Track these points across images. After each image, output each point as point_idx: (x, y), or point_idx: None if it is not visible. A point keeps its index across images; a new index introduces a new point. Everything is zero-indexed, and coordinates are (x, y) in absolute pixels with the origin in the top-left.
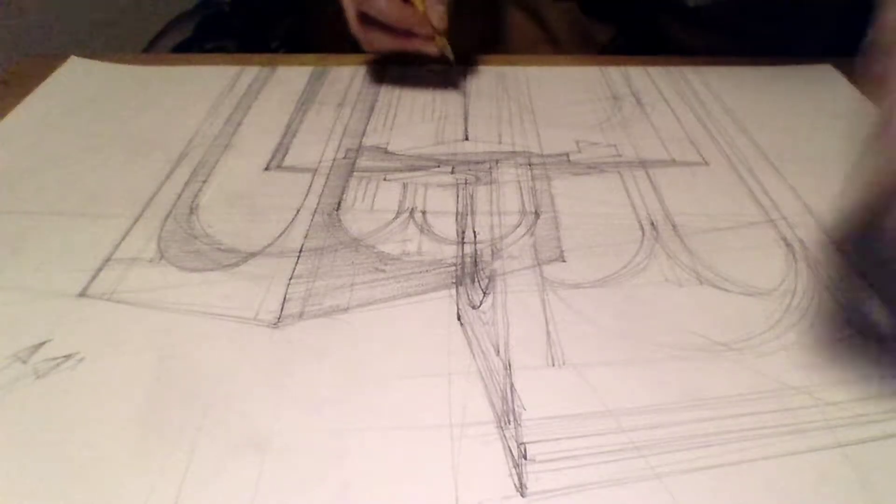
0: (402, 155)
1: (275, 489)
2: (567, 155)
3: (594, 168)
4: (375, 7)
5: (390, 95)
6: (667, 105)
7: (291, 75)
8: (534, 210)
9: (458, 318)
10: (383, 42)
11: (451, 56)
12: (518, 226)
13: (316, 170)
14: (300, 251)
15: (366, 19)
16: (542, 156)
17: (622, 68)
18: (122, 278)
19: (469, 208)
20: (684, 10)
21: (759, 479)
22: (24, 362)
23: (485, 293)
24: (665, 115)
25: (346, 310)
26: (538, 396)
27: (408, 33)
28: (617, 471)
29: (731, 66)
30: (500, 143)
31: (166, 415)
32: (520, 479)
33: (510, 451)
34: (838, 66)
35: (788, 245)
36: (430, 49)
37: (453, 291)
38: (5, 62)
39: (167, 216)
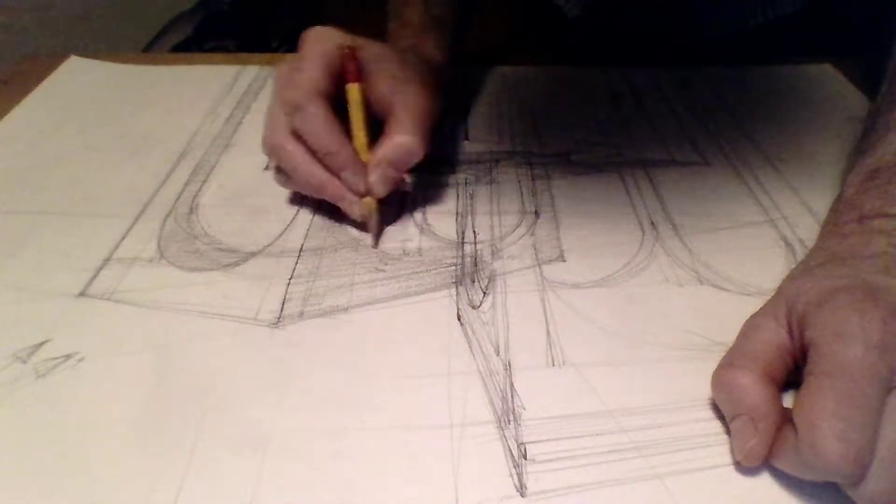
0: None
1: (275, 489)
2: (567, 155)
3: (594, 168)
4: (309, 125)
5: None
6: (667, 105)
7: None
8: (534, 210)
9: (458, 318)
10: (301, 172)
11: (373, 230)
12: (518, 226)
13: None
14: (300, 251)
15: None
16: (542, 156)
17: (622, 68)
18: (122, 278)
19: (469, 208)
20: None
21: (759, 479)
22: (24, 362)
23: (485, 293)
24: (665, 115)
25: (346, 310)
26: (538, 396)
27: (333, 175)
28: (617, 471)
29: (730, 67)
30: (499, 143)
31: (166, 415)
32: (520, 479)
33: (510, 451)
34: (838, 66)
35: (788, 245)
36: (351, 209)
37: (453, 291)
38: (5, 62)
39: (167, 216)
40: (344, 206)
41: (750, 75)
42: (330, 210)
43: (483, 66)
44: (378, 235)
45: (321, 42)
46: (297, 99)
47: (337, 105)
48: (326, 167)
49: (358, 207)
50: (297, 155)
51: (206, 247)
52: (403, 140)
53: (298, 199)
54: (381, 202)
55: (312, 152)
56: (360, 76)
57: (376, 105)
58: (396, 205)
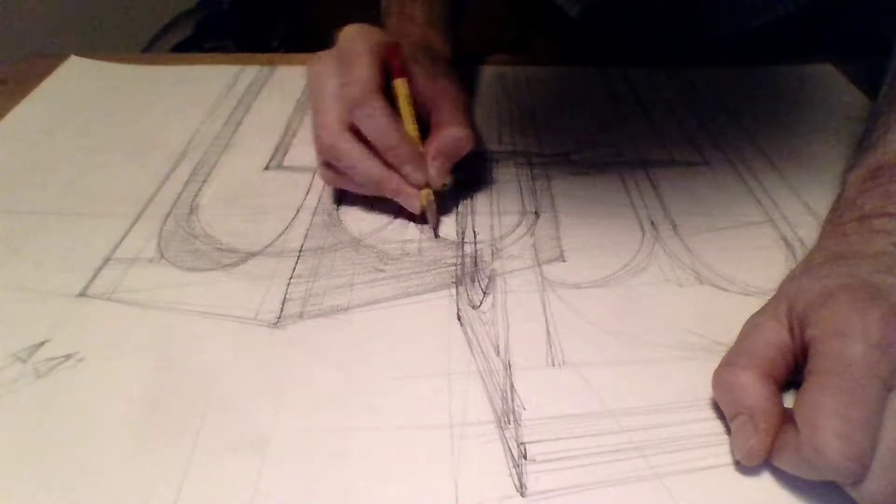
0: None
1: (275, 489)
2: (567, 155)
3: (594, 168)
4: (372, 121)
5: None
6: (667, 105)
7: (291, 75)
8: (534, 210)
9: (458, 318)
10: (360, 168)
11: (433, 221)
12: (518, 226)
13: (316, 170)
14: (300, 251)
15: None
16: (542, 156)
17: (622, 68)
18: (122, 278)
19: (469, 208)
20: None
21: (760, 479)
22: (24, 362)
23: (485, 293)
24: (665, 115)
25: (346, 310)
26: (538, 396)
27: (391, 169)
28: (617, 471)
29: (731, 67)
30: (500, 143)
31: (166, 415)
32: (520, 479)
33: (510, 451)
34: (838, 66)
35: (788, 245)
36: (410, 202)
37: (453, 291)
38: (5, 62)
39: (167, 216)
40: (402, 200)
41: (750, 75)
42: (331, 209)
43: (483, 66)
44: (437, 226)
45: (365, 39)
46: (357, 95)
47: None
48: (385, 162)
49: (416, 201)
50: (356, 151)
51: (206, 247)
52: (458, 132)
53: (298, 199)
54: (439, 194)
55: (370, 148)
56: (401, 71)
57: (420, 99)
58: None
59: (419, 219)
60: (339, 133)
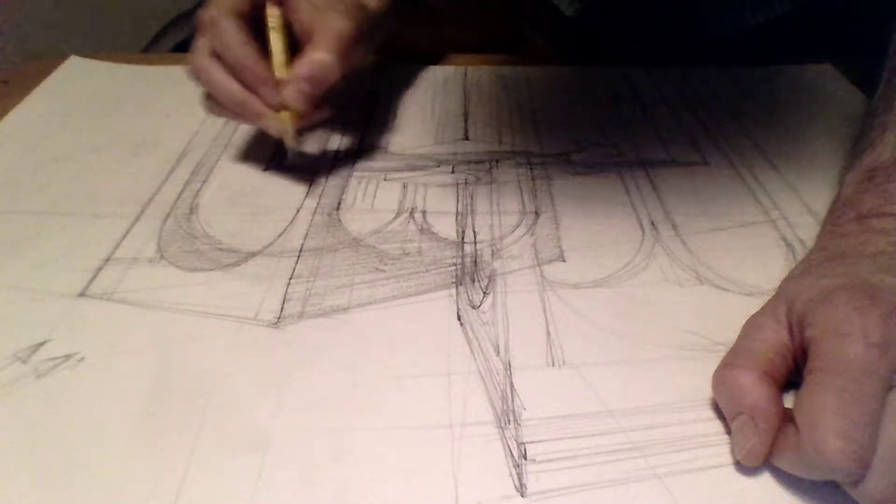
0: (402, 155)
1: (275, 489)
2: (567, 155)
3: (594, 168)
4: (223, 40)
5: (390, 95)
6: (667, 105)
7: None
8: (534, 210)
9: (458, 318)
10: (221, 89)
11: (290, 145)
12: (518, 226)
13: (316, 170)
14: (300, 251)
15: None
16: (542, 156)
17: (622, 68)
18: (122, 278)
19: (469, 208)
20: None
21: (760, 479)
22: (24, 362)
23: (485, 293)
24: (665, 115)
25: (346, 310)
26: (538, 396)
27: (252, 91)
28: (617, 471)
29: (731, 67)
30: (500, 143)
31: (166, 415)
32: (520, 479)
33: (510, 451)
34: (838, 66)
35: (788, 245)
36: (269, 124)
37: (453, 291)
38: (5, 62)
39: (167, 216)
40: (263, 123)
41: (750, 75)
42: (331, 209)
43: (482, 66)
44: (295, 152)
45: None
46: (213, 16)
47: (259, 30)
48: (244, 85)
49: (275, 122)
50: (215, 72)
51: (206, 247)
52: (318, 56)
53: (298, 199)
54: (298, 119)
55: (231, 70)
56: (283, 2)
57: (299, 32)
58: (397, 194)
59: (287, 152)
60: (202, 58)
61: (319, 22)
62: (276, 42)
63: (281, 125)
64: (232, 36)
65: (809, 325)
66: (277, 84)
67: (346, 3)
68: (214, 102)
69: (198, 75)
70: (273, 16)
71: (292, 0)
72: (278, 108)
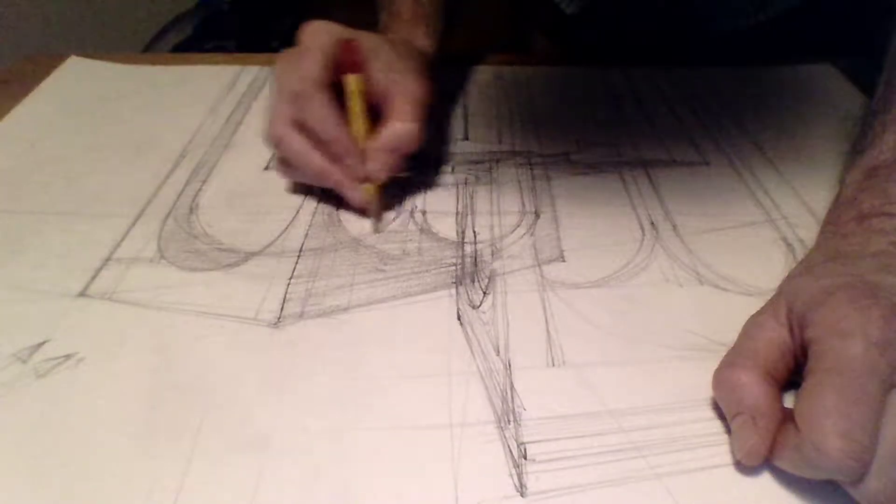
0: None
1: (275, 489)
2: (567, 155)
3: (594, 168)
4: (311, 113)
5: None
6: (667, 105)
7: None
8: (534, 210)
9: (458, 318)
10: (303, 160)
11: (374, 216)
12: (518, 226)
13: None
14: (300, 251)
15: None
16: (542, 156)
17: (622, 68)
18: (122, 278)
19: (469, 208)
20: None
21: (760, 479)
22: (24, 362)
23: (485, 293)
24: (665, 115)
25: (346, 310)
26: (538, 396)
27: (334, 163)
28: (617, 471)
29: (731, 67)
30: (500, 143)
31: (166, 415)
32: (520, 479)
33: (510, 451)
34: (838, 66)
35: (788, 245)
36: (353, 195)
37: (453, 291)
38: (5, 62)
39: (167, 216)
40: (345, 192)
41: (750, 75)
42: (330, 209)
43: (483, 66)
44: (379, 221)
45: (320, 34)
46: (298, 88)
47: (338, 96)
48: (327, 155)
49: (359, 194)
50: (298, 143)
51: (206, 247)
52: (402, 126)
53: (298, 199)
54: (382, 189)
55: (314, 141)
56: (359, 67)
57: (374, 95)
58: (398, 195)
59: (365, 212)
60: (284, 126)
61: (396, 87)
62: (356, 111)
63: (366, 196)
64: (321, 109)
65: (810, 325)
66: (362, 155)
67: (413, 58)
68: (289, 167)
69: (277, 142)
70: (352, 82)
71: (368, 61)
72: (363, 180)
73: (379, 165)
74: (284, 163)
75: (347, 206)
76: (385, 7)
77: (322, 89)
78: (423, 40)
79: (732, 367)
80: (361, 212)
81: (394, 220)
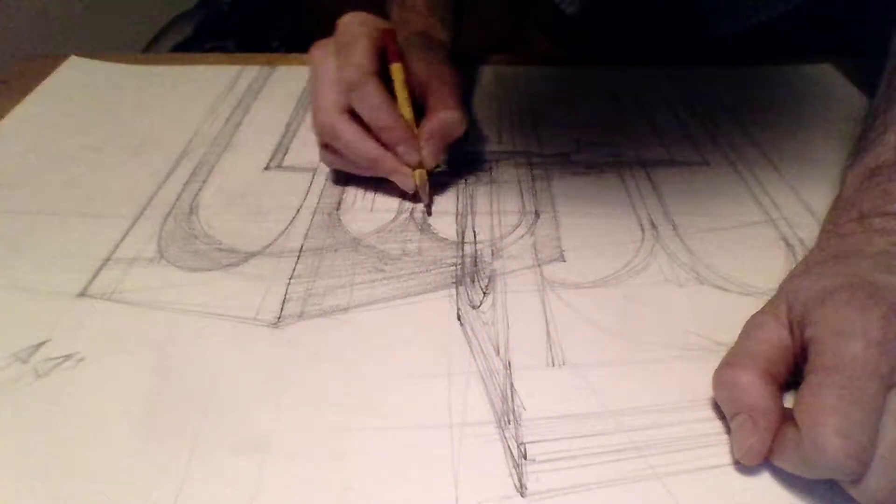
0: None
1: (275, 489)
2: (567, 155)
3: (594, 168)
4: (368, 102)
5: (386, 80)
6: (667, 105)
7: (291, 75)
8: (534, 210)
9: (458, 318)
10: (356, 148)
11: (426, 200)
12: (518, 226)
13: (316, 170)
14: (300, 251)
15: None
16: (542, 156)
17: (622, 68)
18: (122, 278)
19: (469, 208)
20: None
21: (760, 479)
22: (24, 362)
23: (485, 293)
24: (665, 115)
25: (346, 310)
26: (538, 396)
27: (386, 149)
28: (617, 471)
29: (731, 67)
30: (500, 143)
31: (166, 415)
32: (520, 479)
33: (510, 451)
34: (838, 66)
35: (788, 245)
36: (405, 181)
37: (453, 291)
38: (5, 62)
39: (167, 216)
40: (397, 179)
41: (750, 75)
42: (330, 209)
43: (483, 66)
44: (430, 203)
45: (364, 25)
46: (354, 78)
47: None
48: (380, 142)
49: (411, 180)
50: (352, 132)
51: (206, 247)
52: (451, 115)
53: (298, 199)
54: (429, 174)
55: (366, 129)
56: (397, 57)
57: (414, 84)
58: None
59: (413, 197)
60: (336, 114)
61: (436, 77)
62: (404, 99)
63: (419, 180)
64: (376, 97)
65: (810, 325)
66: (416, 142)
67: (442, 50)
68: (336, 155)
69: (326, 131)
70: (398, 72)
71: (406, 56)
72: (416, 166)
73: (431, 152)
74: (332, 151)
75: (389, 191)
76: (396, 2)
77: (374, 77)
78: (440, 33)
79: (732, 366)
80: (412, 197)
81: (393, 220)
